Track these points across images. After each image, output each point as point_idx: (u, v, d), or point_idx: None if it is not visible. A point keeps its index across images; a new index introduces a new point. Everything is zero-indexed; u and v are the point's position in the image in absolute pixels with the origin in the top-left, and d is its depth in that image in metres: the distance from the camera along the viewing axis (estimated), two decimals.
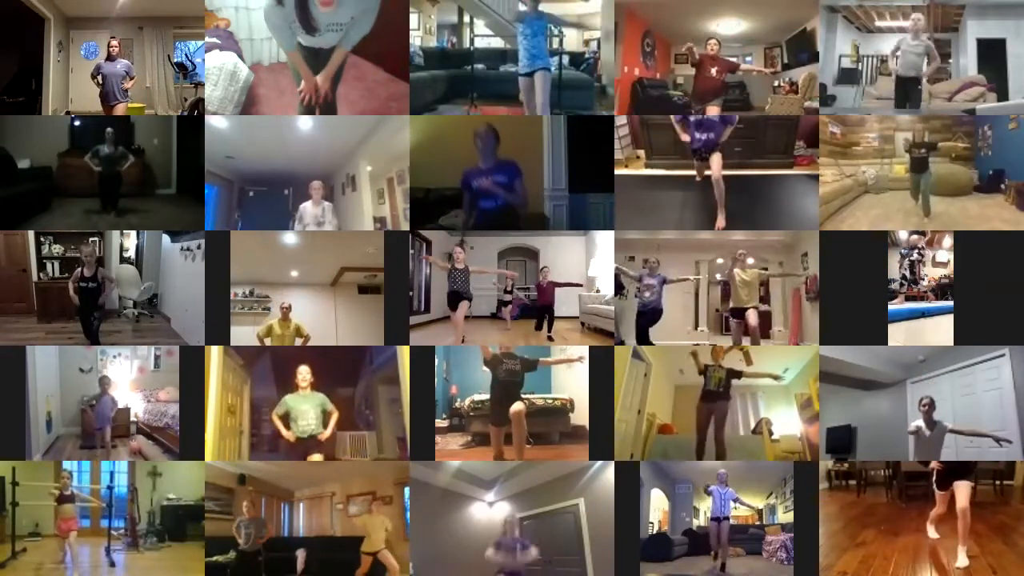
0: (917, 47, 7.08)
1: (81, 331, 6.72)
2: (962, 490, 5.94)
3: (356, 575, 6.53)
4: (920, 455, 6.32)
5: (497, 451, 6.29)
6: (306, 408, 6.41)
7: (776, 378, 6.86)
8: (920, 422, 6.24)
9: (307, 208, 6.78)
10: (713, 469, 6.60)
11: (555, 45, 7.94)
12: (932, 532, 6.41)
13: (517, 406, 6.10)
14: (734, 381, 6.57)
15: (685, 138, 6.86)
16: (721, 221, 6.55)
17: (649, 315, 6.72)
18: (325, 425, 6.46)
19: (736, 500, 6.68)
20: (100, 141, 7.16)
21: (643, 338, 6.63)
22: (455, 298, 6.99)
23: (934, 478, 6.25)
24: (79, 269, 6.71)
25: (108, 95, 7.57)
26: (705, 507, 6.86)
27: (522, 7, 6.85)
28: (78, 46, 8.75)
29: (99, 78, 7.57)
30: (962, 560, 5.74)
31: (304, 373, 6.47)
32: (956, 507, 5.92)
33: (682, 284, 7.15)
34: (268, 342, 6.81)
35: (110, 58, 7.58)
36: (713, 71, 7.05)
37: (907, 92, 7.19)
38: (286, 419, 6.41)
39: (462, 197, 6.38)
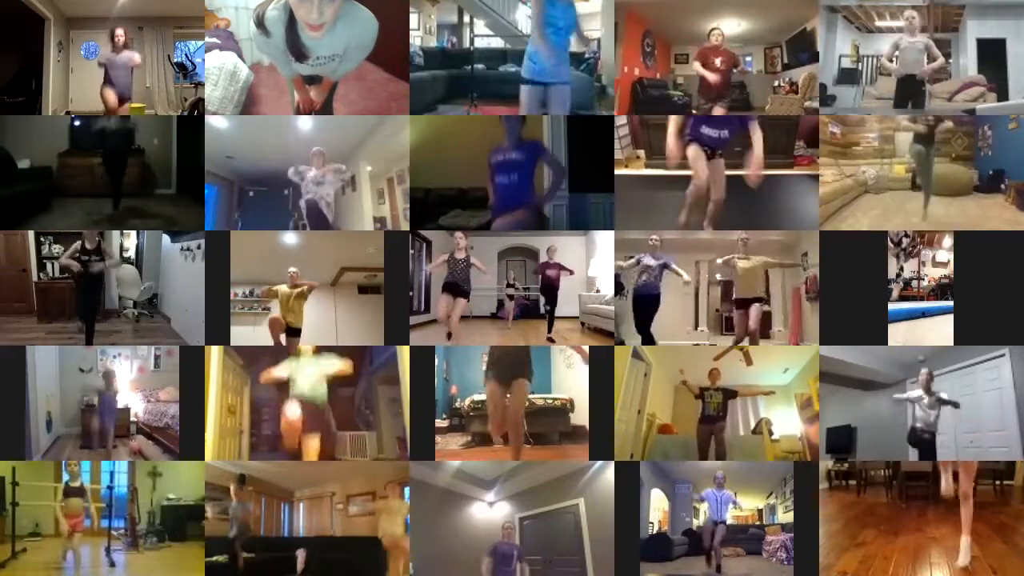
0: (916, 43, 7.02)
1: (79, 331, 6.70)
2: (965, 471, 5.86)
3: None
4: (918, 421, 6.27)
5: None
6: (309, 370, 6.38)
7: (768, 394, 6.87)
8: (920, 390, 6.24)
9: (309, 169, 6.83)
10: (713, 470, 6.60)
11: None
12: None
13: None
14: (730, 401, 6.65)
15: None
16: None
17: (646, 301, 6.53)
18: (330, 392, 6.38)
19: (734, 503, 6.68)
20: (100, 141, 7.16)
21: (644, 331, 6.53)
22: (452, 289, 6.84)
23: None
24: (79, 242, 6.65)
25: (118, 89, 7.37)
26: (705, 508, 6.86)
27: None
28: (78, 46, 8.75)
29: (104, 67, 7.35)
30: (963, 558, 5.71)
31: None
32: (959, 492, 5.83)
33: (682, 284, 7.12)
34: (274, 305, 6.86)
35: (116, 49, 7.40)
36: (717, 61, 6.89)
37: (908, 91, 7.11)
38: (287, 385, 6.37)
39: (487, 173, 6.25)
